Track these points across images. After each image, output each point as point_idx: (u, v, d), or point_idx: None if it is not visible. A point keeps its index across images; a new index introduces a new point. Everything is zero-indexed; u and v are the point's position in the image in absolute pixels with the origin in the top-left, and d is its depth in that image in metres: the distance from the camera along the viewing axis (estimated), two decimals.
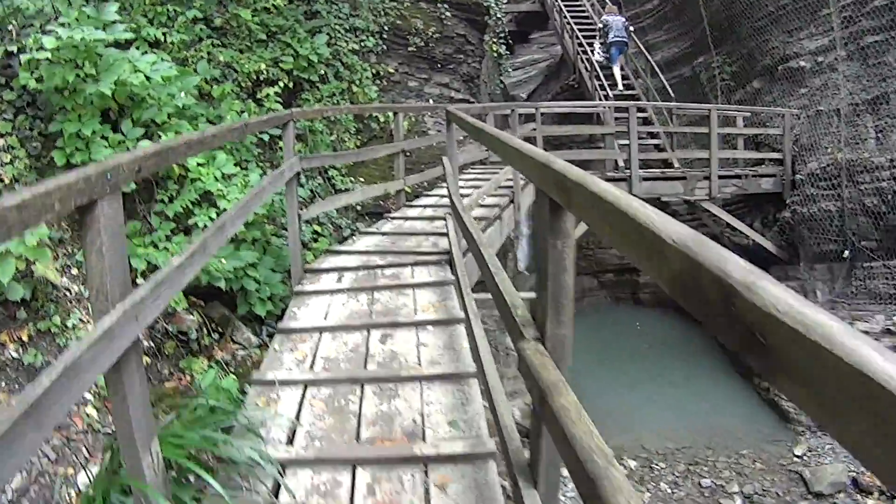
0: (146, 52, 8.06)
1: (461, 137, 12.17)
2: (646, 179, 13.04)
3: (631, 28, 17.86)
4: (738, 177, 13.50)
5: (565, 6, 20.44)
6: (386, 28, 13.94)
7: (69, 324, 6.27)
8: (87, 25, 6.52)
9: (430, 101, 14.71)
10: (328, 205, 8.29)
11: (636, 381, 12.18)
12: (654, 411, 11.00)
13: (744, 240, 13.81)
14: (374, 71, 13.39)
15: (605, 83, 16.84)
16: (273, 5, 10.96)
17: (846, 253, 11.63)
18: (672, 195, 13.36)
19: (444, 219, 9.04)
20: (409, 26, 14.49)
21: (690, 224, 16.47)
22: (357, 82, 12.46)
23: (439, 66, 15.35)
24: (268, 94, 9.93)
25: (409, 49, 14.50)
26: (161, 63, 7.28)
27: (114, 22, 6.91)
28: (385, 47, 13.94)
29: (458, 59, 15.84)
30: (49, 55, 6.33)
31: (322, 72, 11.76)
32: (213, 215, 7.19)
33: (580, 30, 18.95)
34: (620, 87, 17.58)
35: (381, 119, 12.70)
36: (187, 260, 3.31)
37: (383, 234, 8.61)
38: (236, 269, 7.07)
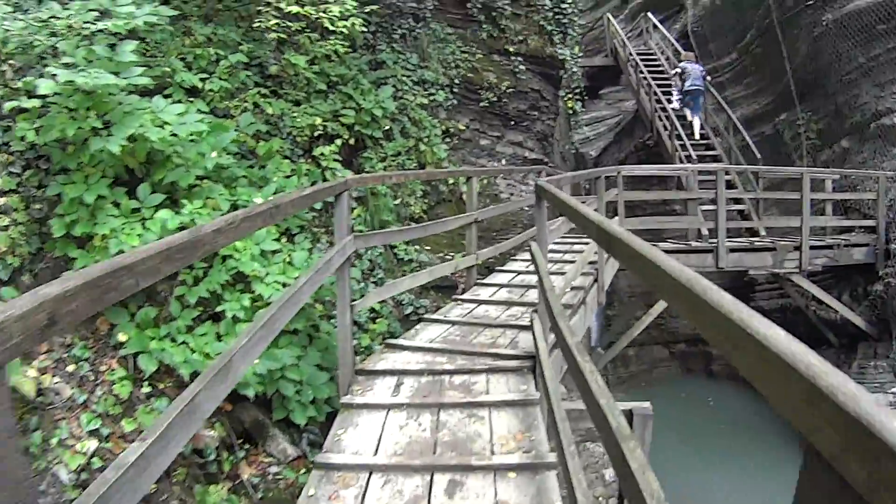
0: (179, 101, 6.73)
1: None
2: (733, 251, 11.50)
3: (708, 77, 16.61)
4: (829, 247, 11.94)
5: (641, 60, 18.94)
6: (457, 81, 12.59)
7: (54, 440, 4.80)
8: (96, 68, 5.12)
9: (503, 161, 13.27)
10: (387, 292, 6.64)
11: (710, 463, 11.60)
12: (729, 497, 10.45)
13: (831, 314, 12.52)
14: (443, 127, 12.00)
15: (687, 142, 15.18)
16: (335, 52, 9.63)
17: None
18: (760, 268, 11.84)
19: (523, 305, 7.60)
20: (482, 80, 13.12)
21: (775, 297, 15.00)
22: (425, 140, 11.04)
23: (513, 123, 13.92)
24: (323, 153, 8.49)
25: (481, 104, 13.13)
26: (191, 114, 5.84)
27: (131, 63, 5.47)
28: (455, 102, 12.58)
29: (532, 116, 14.41)
30: (38, 102, 4.98)
31: (387, 127, 10.37)
32: (247, 303, 5.70)
33: (658, 85, 17.39)
34: (697, 136, 16.17)
35: (451, 181, 11.26)
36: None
37: (451, 322, 7.01)
38: (271, 371, 5.55)
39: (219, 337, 5.68)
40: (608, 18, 22.31)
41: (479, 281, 8.77)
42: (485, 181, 12.21)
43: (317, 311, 6.75)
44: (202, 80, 7.33)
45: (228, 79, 7.67)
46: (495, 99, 13.24)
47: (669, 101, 16.74)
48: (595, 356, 12.59)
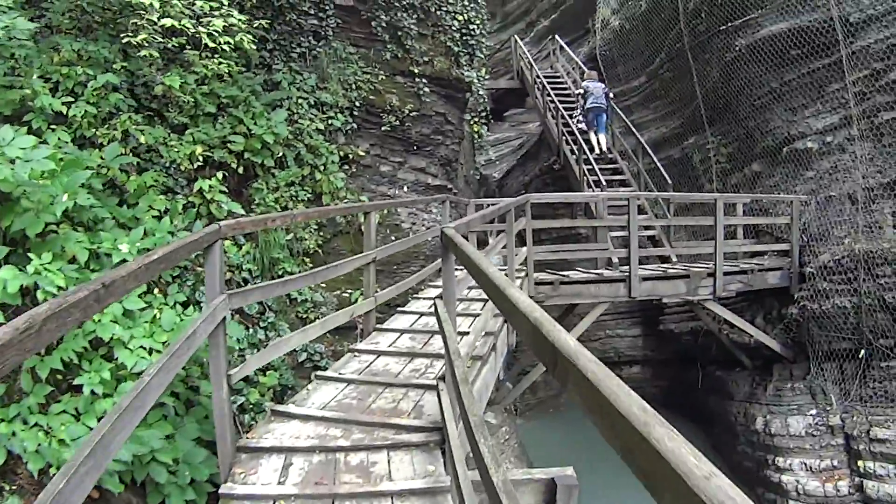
0: (39, 129, 5.80)
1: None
2: (645, 279, 11.10)
3: (611, 95, 16.47)
4: (743, 272, 11.76)
5: (548, 83, 18.61)
6: (357, 104, 11.85)
7: None
8: None
9: (405, 188, 12.60)
10: (272, 354, 5.63)
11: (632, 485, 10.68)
12: None
13: (745, 337, 12.42)
14: (341, 153, 11.23)
15: (595, 167, 14.83)
16: (227, 71, 8.79)
17: (862, 352, 10.34)
18: (674, 296, 11.45)
19: (427, 357, 6.94)
20: (384, 102, 12.43)
21: (686, 320, 14.79)
22: (321, 167, 10.25)
23: (415, 147, 13.28)
24: (203, 187, 7.60)
25: (383, 129, 12.42)
26: (40, 149, 4.90)
27: None
28: (355, 126, 11.84)
29: (436, 141, 13.79)
30: None
31: (280, 154, 9.57)
32: (108, 374, 4.84)
33: (564, 108, 17.06)
34: (598, 151, 16.05)
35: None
36: None
37: (348, 381, 6.21)
38: (138, 456, 4.69)
39: (78, 415, 4.80)
40: (515, 40, 21.97)
41: (378, 327, 8.02)
42: (385, 210, 11.51)
43: (195, 371, 5.92)
44: (66, 104, 6.39)
45: (98, 102, 6.71)
46: (398, 123, 12.57)
47: (583, 132, 16.45)
48: (503, 391, 12.06)
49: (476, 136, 16.05)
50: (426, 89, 13.18)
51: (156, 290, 5.93)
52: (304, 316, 9.22)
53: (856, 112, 11.21)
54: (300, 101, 10.55)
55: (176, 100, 8.37)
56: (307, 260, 9.73)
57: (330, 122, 11.00)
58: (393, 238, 11.32)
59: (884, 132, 10.81)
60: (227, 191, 8.25)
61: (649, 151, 14.97)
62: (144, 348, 5.01)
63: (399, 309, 9.01)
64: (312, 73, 11.44)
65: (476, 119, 15.78)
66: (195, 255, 5.18)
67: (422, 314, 8.61)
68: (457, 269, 5.08)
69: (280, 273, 8.82)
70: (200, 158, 7.77)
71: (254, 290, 5.18)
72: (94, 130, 6.59)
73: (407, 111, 12.63)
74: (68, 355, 4.82)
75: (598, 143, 16.18)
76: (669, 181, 14.26)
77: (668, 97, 16.67)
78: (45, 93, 6.06)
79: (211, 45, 7.76)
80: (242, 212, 8.34)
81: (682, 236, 14.68)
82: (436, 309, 4.86)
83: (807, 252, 11.73)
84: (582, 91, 16.45)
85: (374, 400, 5.78)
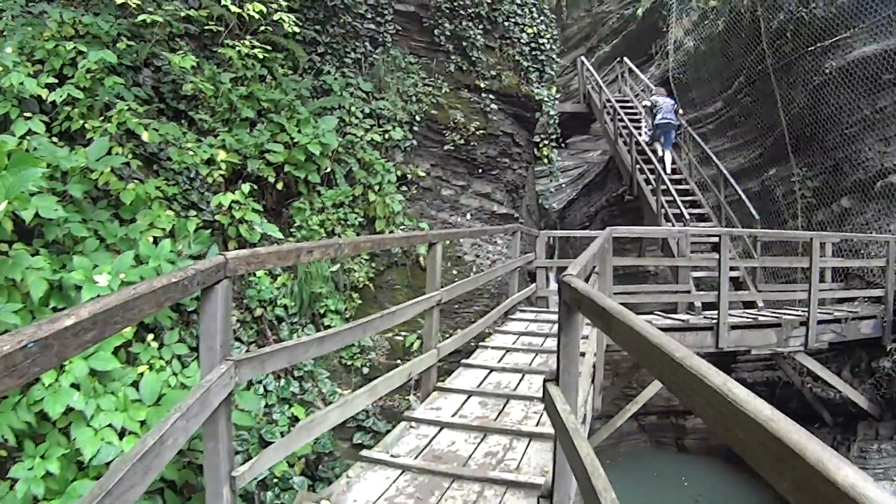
0: (8, 115, 4.26)
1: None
2: (734, 328, 9.41)
3: (681, 111, 15.24)
4: (837, 321, 10.03)
5: (620, 107, 16.85)
6: (418, 118, 10.30)
7: None
8: None
9: (468, 215, 10.96)
10: (297, 440, 3.80)
11: None
12: None
13: (829, 392, 10.90)
14: (399, 173, 9.62)
15: (677, 198, 13.03)
16: (269, 71, 7.26)
17: None
18: (763, 347, 9.74)
19: (504, 434, 5.24)
20: (447, 118, 10.85)
21: (762, 369, 12.75)
22: (376, 187, 8.63)
23: (480, 171, 11.66)
24: (223, 202, 5.97)
25: (446, 147, 10.85)
26: None
27: None
28: (415, 143, 10.27)
29: (502, 164, 12.16)
30: None
31: (328, 169, 7.99)
32: (55, 466, 3.22)
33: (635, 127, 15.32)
34: (668, 170, 14.52)
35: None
36: None
37: (402, 467, 4.49)
38: None
39: None
40: (581, 61, 20.28)
41: (439, 385, 6.28)
42: (447, 242, 9.86)
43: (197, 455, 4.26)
44: (48, 86, 4.83)
45: (91, 86, 5.12)
46: (462, 142, 10.97)
47: (649, 144, 15.20)
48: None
49: (546, 160, 14.32)
50: (493, 106, 11.61)
51: (149, 338, 4.30)
52: (350, 363, 7.57)
53: None
54: (353, 108, 8.98)
55: (207, 101, 6.86)
56: (355, 295, 8.07)
57: (387, 135, 9.41)
58: (455, 272, 9.67)
59: None
60: (262, 209, 6.67)
61: (732, 182, 13.19)
62: (114, 428, 3.37)
63: (464, 362, 7.18)
64: (368, 82, 9.93)
65: (546, 142, 14.08)
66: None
67: (491, 369, 6.86)
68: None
69: (322, 311, 7.19)
70: (223, 166, 6.11)
71: (276, 354, 3.43)
72: (82, 122, 5.01)
73: (472, 129, 11.04)
74: (2, 431, 3.21)
75: (664, 159, 14.79)
76: (757, 217, 12.41)
77: (747, 124, 15.01)
78: (19, 69, 4.50)
79: (254, 16, 6.16)
80: (280, 235, 6.75)
81: (761, 278, 12.86)
82: (546, 395, 3.15)
83: None
84: (650, 105, 15.22)
85: (437, 502, 4.08)
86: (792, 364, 10.94)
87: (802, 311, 9.94)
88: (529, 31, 12.48)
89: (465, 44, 11.46)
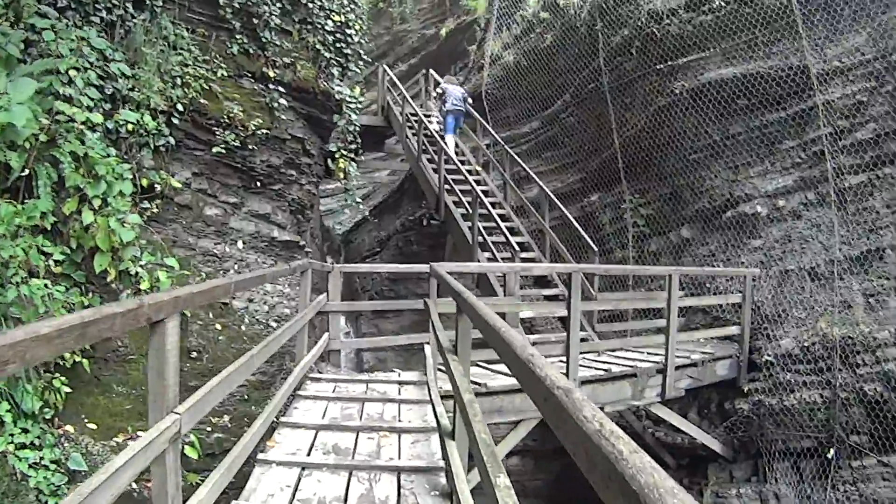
0: None
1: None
2: (585, 381, 7.68)
3: (470, 101, 14.31)
4: (694, 364, 8.91)
5: (426, 122, 14.33)
6: (180, 107, 7.40)
7: None
8: None
9: (240, 243, 8.12)
10: None
11: None
12: None
13: (674, 437, 9.91)
14: (145, 182, 6.62)
15: (502, 225, 10.79)
16: None
17: (831, 451, 8.53)
18: (618, 402, 8.25)
19: None
20: (221, 111, 8.02)
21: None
22: (100, 202, 5.59)
23: (259, 184, 8.86)
24: None
25: (216, 150, 8.00)
26: None
27: None
28: (173, 141, 7.32)
29: (288, 177, 9.44)
30: None
31: (17, 167, 4.91)
32: None
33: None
34: (452, 154, 13.34)
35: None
36: None
37: None
38: None
39: None
40: (384, 70, 17.67)
41: None
42: (201, 276, 6.91)
43: None
44: None
45: None
46: (238, 144, 8.19)
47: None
48: None
49: (341, 174, 11.59)
50: (282, 101, 8.94)
51: None
52: None
53: (814, 175, 9.56)
54: (74, 73, 5.89)
55: None
56: (62, 380, 5.00)
57: (126, 125, 6.39)
58: (219, 327, 6.82)
59: (849, 198, 9.23)
60: None
61: (560, 206, 11.39)
62: None
63: None
64: (118, 51, 6.89)
65: (343, 152, 11.35)
66: None
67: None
68: None
69: None
70: None
71: None
72: None
73: (253, 128, 8.31)
74: None
75: (450, 144, 13.83)
76: (595, 248, 10.48)
77: (568, 146, 13.54)
78: None
79: None
80: None
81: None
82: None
83: (758, 336, 9.52)
84: (440, 92, 14.34)
85: None
86: (634, 409, 9.82)
87: (652, 356, 8.60)
88: (337, 18, 10.00)
89: (256, 21, 8.69)
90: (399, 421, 5.44)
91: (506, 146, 13.17)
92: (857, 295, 8.96)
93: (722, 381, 9.47)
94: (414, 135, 14.58)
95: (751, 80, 9.95)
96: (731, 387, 9.55)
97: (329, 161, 11.17)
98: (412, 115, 14.91)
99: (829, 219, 9.44)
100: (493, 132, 13.79)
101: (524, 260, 10.77)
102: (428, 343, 7.83)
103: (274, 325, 7.74)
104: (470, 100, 14.38)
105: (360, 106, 10.98)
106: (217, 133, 8.03)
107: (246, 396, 7.13)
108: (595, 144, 12.64)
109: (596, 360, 8.77)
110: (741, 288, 9.52)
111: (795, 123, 9.73)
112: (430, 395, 6.05)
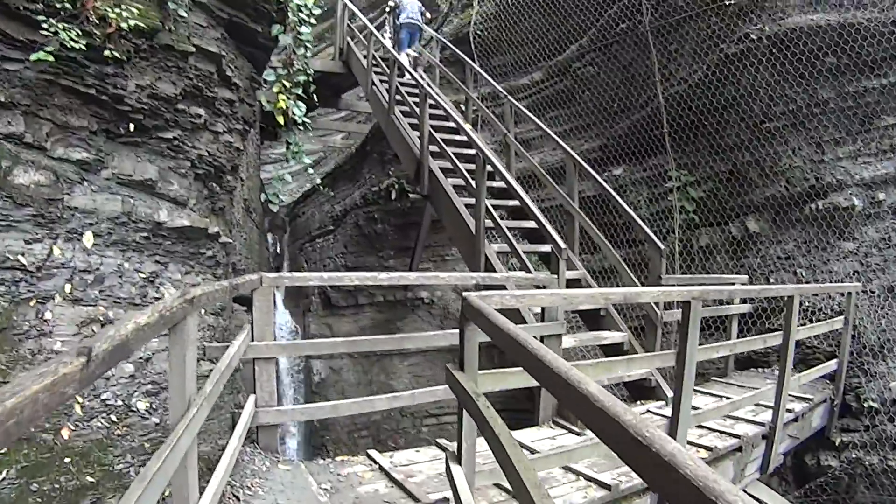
0: None
1: None
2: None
3: (428, 15, 12.67)
4: (795, 420, 6.35)
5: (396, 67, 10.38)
6: None
7: None
8: None
9: (88, 235, 4.19)
10: None
11: None
12: None
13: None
14: None
15: (528, 203, 7.04)
16: None
17: None
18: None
19: None
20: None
21: None
22: None
23: (134, 128, 4.87)
24: None
25: (35, 57, 4.01)
26: None
27: None
28: None
29: (192, 119, 5.46)
30: None
31: None
32: None
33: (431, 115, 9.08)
34: (407, 76, 10.10)
35: None
36: None
37: None
38: None
39: None
40: (344, 3, 13.42)
41: None
42: None
43: None
44: None
45: None
46: (85, 48, 4.21)
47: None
48: None
49: (281, 119, 7.47)
50: None
51: None
52: None
53: None
54: None
55: None
56: None
57: None
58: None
59: None
60: None
61: (593, 174, 7.73)
62: None
63: None
64: None
65: (285, 84, 7.20)
66: None
67: None
68: None
69: None
70: None
71: None
72: None
73: (121, 25, 4.33)
74: None
75: (409, 56, 12.00)
76: (660, 244, 6.75)
77: (583, 104, 10.49)
78: None
79: None
80: None
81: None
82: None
83: (855, 372, 7.28)
84: (393, 5, 12.76)
85: None
86: None
87: (755, 418, 5.90)
88: None
89: None
90: None
91: (511, 98, 9.49)
92: None
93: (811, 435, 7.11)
94: (383, 81, 10.59)
95: (845, 32, 7.51)
96: (820, 439, 7.27)
97: (264, 101, 7.18)
98: (383, 58, 10.97)
99: None
100: (491, 81, 10.13)
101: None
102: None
103: (143, 409, 3.88)
104: (428, 15, 12.71)
105: (313, 16, 6.98)
106: (45, 27, 4.07)
107: None
108: (624, 103, 9.82)
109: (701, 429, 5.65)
110: (832, 305, 7.48)
111: None
112: None
